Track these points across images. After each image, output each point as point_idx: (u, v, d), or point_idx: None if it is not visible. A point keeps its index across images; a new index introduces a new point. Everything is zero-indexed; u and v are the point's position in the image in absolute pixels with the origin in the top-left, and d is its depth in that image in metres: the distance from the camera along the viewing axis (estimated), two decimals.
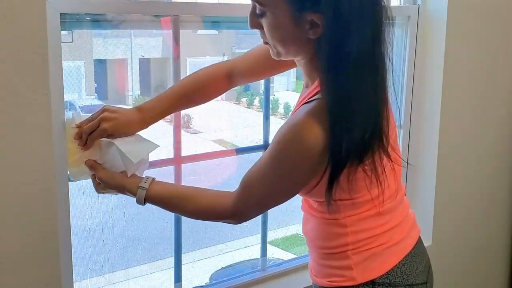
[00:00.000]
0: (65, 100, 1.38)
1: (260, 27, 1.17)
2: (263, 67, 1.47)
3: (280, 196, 1.21)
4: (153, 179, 1.30)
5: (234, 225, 1.29)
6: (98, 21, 1.51)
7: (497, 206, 2.64)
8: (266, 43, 1.20)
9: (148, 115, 1.36)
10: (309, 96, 1.16)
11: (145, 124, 1.36)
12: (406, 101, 2.21)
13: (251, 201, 1.23)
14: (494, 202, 2.62)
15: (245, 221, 1.27)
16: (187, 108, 1.52)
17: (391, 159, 1.18)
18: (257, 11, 1.14)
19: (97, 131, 1.29)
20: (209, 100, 1.40)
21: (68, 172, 1.38)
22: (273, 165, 1.16)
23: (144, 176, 1.33)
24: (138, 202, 1.28)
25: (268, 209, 1.32)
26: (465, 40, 2.20)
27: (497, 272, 2.77)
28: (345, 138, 1.08)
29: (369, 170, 1.15)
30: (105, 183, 1.30)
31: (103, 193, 1.34)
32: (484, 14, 2.25)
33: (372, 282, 1.23)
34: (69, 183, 1.44)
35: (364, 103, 1.09)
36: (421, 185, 2.32)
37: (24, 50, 1.25)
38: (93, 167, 1.32)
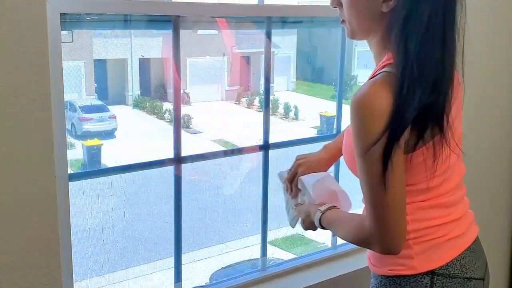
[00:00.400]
0: (65, 100, 1.38)
1: (339, 4, 1.25)
2: None
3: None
4: (334, 206, 1.35)
5: (384, 253, 1.20)
6: (98, 21, 1.51)
7: (497, 206, 2.65)
8: (343, 21, 1.28)
9: (334, 152, 1.50)
10: (374, 73, 1.20)
11: (333, 160, 1.51)
12: None
13: (380, 210, 1.15)
14: (494, 202, 2.62)
15: (395, 244, 1.17)
16: None
17: (452, 151, 1.19)
18: None
19: (296, 177, 1.45)
20: None
21: (291, 224, 1.48)
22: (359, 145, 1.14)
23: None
24: (316, 224, 1.35)
25: (403, 207, 1.17)
26: (464, 40, 2.20)
27: (497, 272, 2.77)
28: (409, 101, 1.10)
29: (429, 156, 1.17)
30: (302, 219, 1.41)
31: (307, 229, 1.42)
32: (483, 14, 2.25)
33: (432, 272, 1.24)
34: (69, 183, 1.44)
35: (431, 73, 1.14)
36: None
37: (24, 50, 1.25)
38: (296, 209, 1.45)
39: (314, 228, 1.38)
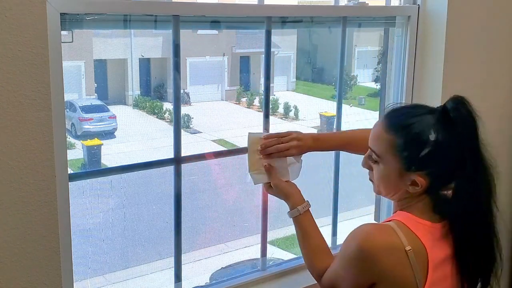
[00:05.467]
0: (65, 100, 1.38)
1: (370, 168, 1.37)
2: None
3: None
4: (309, 207, 1.51)
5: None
6: (98, 21, 1.51)
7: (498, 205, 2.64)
8: (370, 180, 1.39)
9: (322, 145, 1.63)
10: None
11: (317, 150, 1.63)
12: (406, 101, 2.21)
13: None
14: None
15: None
16: (345, 151, 1.74)
17: None
18: (372, 157, 1.34)
19: (283, 152, 1.56)
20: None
21: (250, 178, 1.59)
22: None
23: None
24: (289, 216, 1.52)
25: None
26: (465, 40, 2.20)
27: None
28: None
29: None
30: (276, 188, 1.55)
31: (270, 193, 1.60)
32: (484, 14, 2.25)
33: None
34: (69, 183, 1.44)
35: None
36: None
37: (24, 50, 1.25)
38: (270, 172, 1.56)
39: (274, 194, 1.57)
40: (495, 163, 1.38)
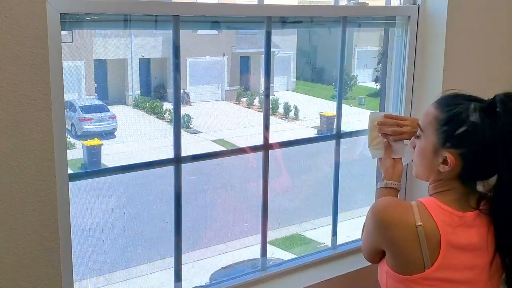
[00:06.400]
0: (65, 100, 1.38)
1: (415, 147, 1.45)
2: None
3: None
4: (396, 186, 1.62)
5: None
6: (98, 21, 1.51)
7: None
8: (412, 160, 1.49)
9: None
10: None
11: None
12: (406, 101, 2.21)
13: None
14: None
15: None
16: None
17: None
18: (417, 133, 1.43)
19: (397, 136, 1.67)
20: None
21: (370, 152, 1.74)
22: None
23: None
24: (377, 186, 1.67)
25: None
26: (465, 40, 2.20)
27: None
28: None
29: None
30: (382, 163, 1.69)
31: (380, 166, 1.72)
32: (484, 14, 2.25)
33: None
34: (69, 183, 1.44)
35: None
36: (422, 184, 2.32)
37: (24, 50, 1.25)
38: (386, 149, 1.68)
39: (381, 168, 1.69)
40: None
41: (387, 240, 1.35)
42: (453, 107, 1.34)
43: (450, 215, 1.32)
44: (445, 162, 1.33)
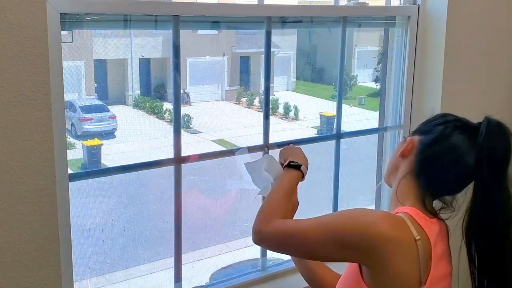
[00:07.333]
0: (65, 100, 1.38)
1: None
2: None
3: None
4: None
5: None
6: (98, 21, 1.51)
7: None
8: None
9: None
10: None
11: None
12: (406, 101, 2.21)
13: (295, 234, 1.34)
14: None
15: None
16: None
17: None
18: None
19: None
20: None
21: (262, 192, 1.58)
22: None
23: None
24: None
25: None
26: (464, 40, 2.20)
27: None
28: None
29: None
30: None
31: None
32: (483, 14, 2.25)
33: None
34: (69, 183, 1.44)
35: None
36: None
37: (24, 50, 1.25)
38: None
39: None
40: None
41: (379, 257, 1.16)
42: (432, 119, 1.41)
43: (431, 224, 1.26)
44: (405, 143, 1.36)
